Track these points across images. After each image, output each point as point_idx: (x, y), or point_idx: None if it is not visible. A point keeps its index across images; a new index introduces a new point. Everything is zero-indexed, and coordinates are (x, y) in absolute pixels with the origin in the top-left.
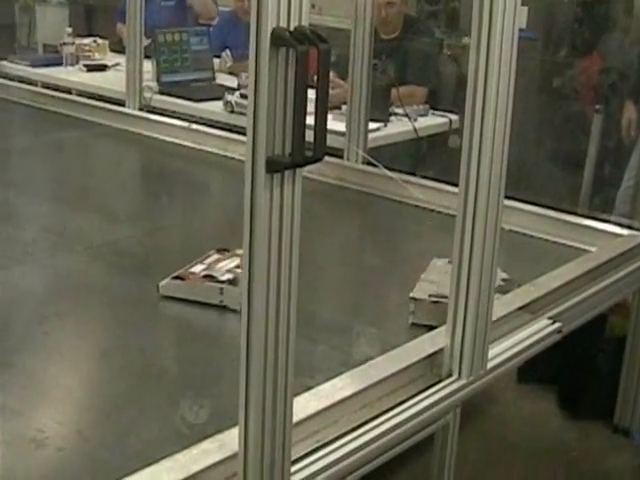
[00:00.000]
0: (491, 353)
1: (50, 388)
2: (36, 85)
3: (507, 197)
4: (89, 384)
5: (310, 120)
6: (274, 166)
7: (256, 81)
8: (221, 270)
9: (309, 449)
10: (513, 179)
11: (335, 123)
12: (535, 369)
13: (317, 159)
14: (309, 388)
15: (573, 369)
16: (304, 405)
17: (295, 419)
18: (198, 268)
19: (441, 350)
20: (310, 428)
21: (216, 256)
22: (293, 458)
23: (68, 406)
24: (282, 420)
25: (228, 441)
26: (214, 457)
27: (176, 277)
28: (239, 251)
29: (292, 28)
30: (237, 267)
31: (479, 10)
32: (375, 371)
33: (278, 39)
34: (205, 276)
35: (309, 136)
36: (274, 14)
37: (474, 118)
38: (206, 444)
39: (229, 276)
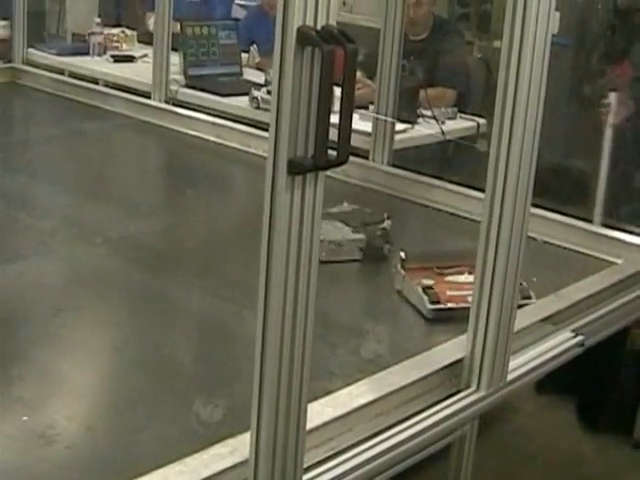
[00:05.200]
0: (511, 365)
1: (62, 382)
2: (63, 74)
3: (533, 205)
4: (102, 379)
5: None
6: (296, 168)
7: (280, 80)
8: None
9: (322, 457)
10: (541, 187)
11: (361, 123)
12: (554, 380)
13: (340, 162)
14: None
15: (593, 381)
16: (319, 411)
17: (309, 425)
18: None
19: (461, 360)
20: (324, 435)
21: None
22: (306, 465)
23: (80, 402)
24: (295, 427)
25: (240, 446)
26: (225, 462)
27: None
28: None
29: (319, 27)
30: None
31: (512, 14)
32: (393, 379)
33: (304, 38)
34: None
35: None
36: (300, 12)
37: (503, 123)
38: (217, 448)
39: None
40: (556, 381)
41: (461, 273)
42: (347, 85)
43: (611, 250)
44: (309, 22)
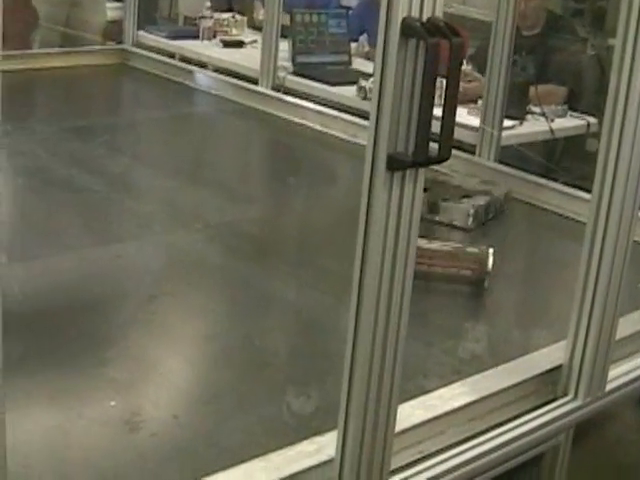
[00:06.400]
0: (612, 374)
1: (150, 369)
2: (174, 57)
3: None
4: (190, 368)
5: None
6: (395, 164)
7: (382, 72)
8: None
9: (411, 459)
10: None
11: (469, 118)
12: None
13: (442, 159)
14: None
15: None
16: (409, 413)
17: (398, 428)
18: None
19: (558, 367)
20: (413, 438)
21: None
22: (393, 468)
23: (167, 389)
24: (384, 428)
25: (326, 444)
26: (310, 461)
27: None
28: None
29: (424, 19)
30: None
31: (627, 11)
32: (487, 383)
33: (408, 29)
34: None
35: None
36: (406, 3)
37: (613, 125)
38: (303, 445)
39: None
40: None
41: None
42: (452, 80)
43: None
44: (414, 14)
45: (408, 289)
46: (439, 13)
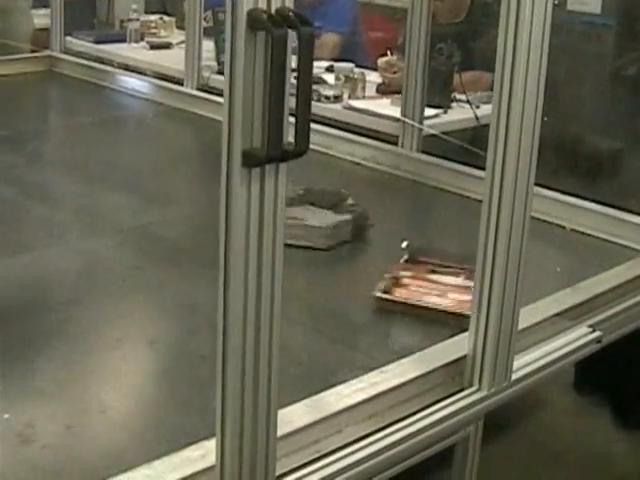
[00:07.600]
0: (520, 362)
1: (50, 380)
2: (111, 63)
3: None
4: (93, 377)
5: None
6: (250, 160)
7: (231, 67)
8: None
9: (305, 460)
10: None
11: (392, 108)
12: (592, 375)
13: (299, 153)
14: None
15: (625, 378)
16: (304, 412)
17: (291, 428)
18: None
19: (464, 357)
20: (308, 438)
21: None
22: (286, 470)
23: (63, 400)
24: (264, 433)
25: (214, 449)
26: (194, 466)
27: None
28: None
29: (273, 10)
30: None
31: None
32: (388, 377)
33: (255, 22)
34: None
35: None
36: None
37: (501, 101)
38: (190, 451)
39: None
40: (594, 376)
41: (455, 275)
42: (303, 71)
43: None
44: (262, 5)
45: (278, 289)
46: (289, 3)
